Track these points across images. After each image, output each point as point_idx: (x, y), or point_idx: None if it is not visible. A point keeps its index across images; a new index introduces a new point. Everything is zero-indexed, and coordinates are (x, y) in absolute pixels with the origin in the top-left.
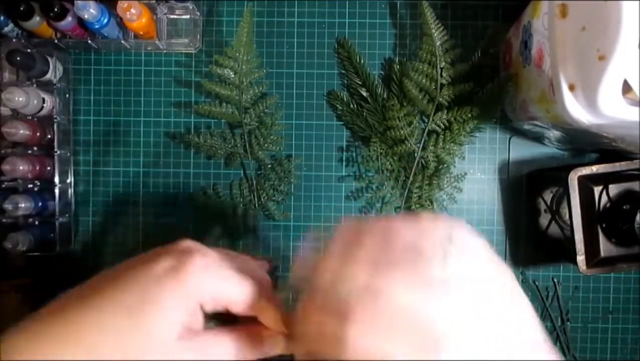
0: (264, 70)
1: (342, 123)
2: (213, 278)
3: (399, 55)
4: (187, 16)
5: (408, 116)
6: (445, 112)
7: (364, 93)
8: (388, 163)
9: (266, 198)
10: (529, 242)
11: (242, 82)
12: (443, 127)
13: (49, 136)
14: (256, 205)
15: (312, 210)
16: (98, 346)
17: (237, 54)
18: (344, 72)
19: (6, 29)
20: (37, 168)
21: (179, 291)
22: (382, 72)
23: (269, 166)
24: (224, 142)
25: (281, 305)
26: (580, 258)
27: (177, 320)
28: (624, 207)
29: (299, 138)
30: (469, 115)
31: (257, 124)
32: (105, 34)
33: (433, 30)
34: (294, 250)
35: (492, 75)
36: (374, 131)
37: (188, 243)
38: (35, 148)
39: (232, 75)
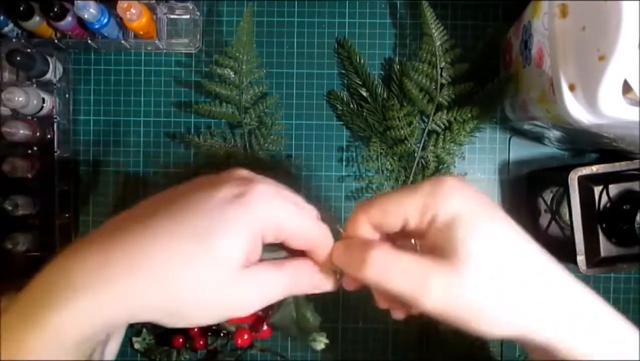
0: (264, 70)
1: (342, 123)
2: (277, 207)
3: (399, 55)
4: (187, 16)
5: (408, 116)
6: (445, 112)
7: (364, 93)
8: (388, 163)
9: None
10: None
11: (242, 82)
12: (443, 127)
13: (49, 136)
14: None
15: None
16: (168, 272)
17: (237, 54)
18: (344, 72)
19: (6, 29)
20: (37, 168)
21: (244, 218)
22: (382, 72)
23: (269, 166)
24: (224, 141)
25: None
26: (580, 258)
27: (241, 247)
28: (624, 207)
29: (299, 138)
30: (469, 115)
31: (257, 124)
32: (105, 34)
33: (433, 30)
34: None
35: (492, 75)
36: (374, 131)
37: (245, 171)
38: (35, 148)
39: (232, 75)
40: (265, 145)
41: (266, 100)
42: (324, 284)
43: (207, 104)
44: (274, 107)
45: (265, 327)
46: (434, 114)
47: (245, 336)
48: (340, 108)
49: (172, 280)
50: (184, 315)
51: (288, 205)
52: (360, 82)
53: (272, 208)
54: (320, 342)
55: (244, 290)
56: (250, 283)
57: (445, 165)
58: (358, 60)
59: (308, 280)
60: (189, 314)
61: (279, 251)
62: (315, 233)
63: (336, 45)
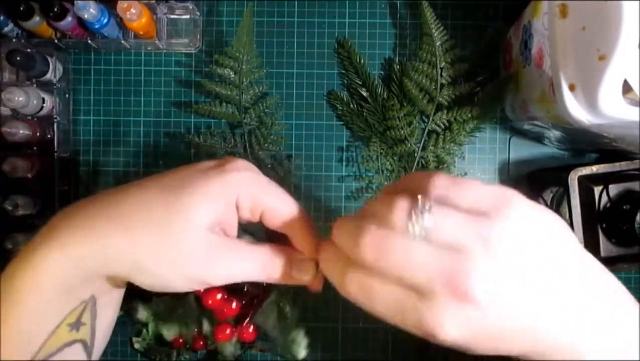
0: (264, 70)
1: (342, 123)
2: (253, 180)
3: (398, 55)
4: (187, 16)
5: (408, 116)
6: (445, 112)
7: (364, 93)
8: (388, 163)
9: None
10: None
11: (242, 82)
12: (443, 127)
13: (49, 136)
14: None
15: (313, 210)
16: (135, 223)
17: (237, 54)
18: (343, 72)
19: (6, 29)
20: (37, 168)
21: (217, 182)
22: (382, 72)
23: (269, 166)
24: (224, 141)
25: (317, 231)
26: None
27: (211, 208)
28: (624, 207)
29: (299, 138)
30: (469, 115)
31: (257, 124)
32: (105, 34)
33: (433, 30)
34: None
35: (492, 75)
36: (374, 131)
37: (242, 161)
38: (35, 148)
39: (232, 75)
40: (266, 145)
41: (266, 100)
42: (299, 276)
43: (207, 104)
44: (274, 107)
45: (250, 329)
46: (434, 114)
47: (227, 331)
48: (340, 108)
49: (138, 231)
50: (153, 271)
51: (266, 182)
52: (360, 82)
53: (248, 181)
54: (300, 346)
55: (212, 255)
56: (220, 251)
57: (445, 165)
58: (358, 60)
59: (282, 267)
60: (157, 270)
61: (263, 242)
62: (291, 214)
63: (336, 45)
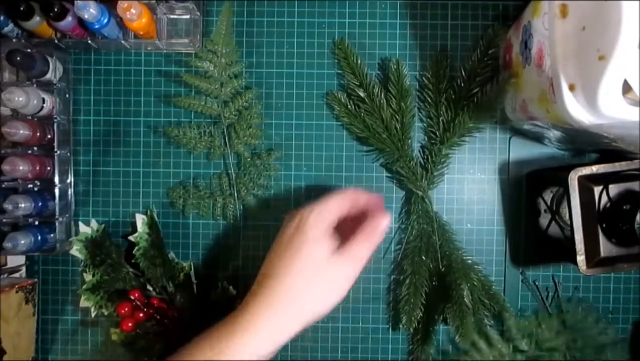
0: (243, 63)
1: (340, 123)
2: (319, 206)
3: (399, 55)
4: (187, 16)
5: (406, 116)
6: (445, 111)
7: (362, 94)
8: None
9: (246, 191)
10: (529, 242)
11: (221, 75)
12: (442, 127)
13: (49, 136)
14: (235, 199)
15: None
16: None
17: (216, 47)
18: (340, 72)
19: (6, 29)
20: (37, 168)
21: (308, 233)
22: (381, 72)
23: (249, 160)
24: (202, 135)
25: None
26: (580, 258)
27: (321, 244)
28: (624, 207)
29: (298, 138)
30: (469, 115)
31: (236, 118)
32: (105, 34)
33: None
34: None
35: (492, 75)
36: (372, 132)
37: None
38: (35, 148)
39: (212, 69)
40: (245, 138)
41: (245, 94)
42: (382, 224)
43: (187, 97)
44: (252, 101)
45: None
46: (432, 114)
47: (130, 324)
48: (338, 109)
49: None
50: (315, 309)
51: (326, 199)
52: (357, 83)
53: (316, 210)
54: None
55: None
56: (340, 264)
57: (445, 165)
58: (355, 61)
59: (373, 229)
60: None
61: None
62: (349, 195)
63: (333, 46)
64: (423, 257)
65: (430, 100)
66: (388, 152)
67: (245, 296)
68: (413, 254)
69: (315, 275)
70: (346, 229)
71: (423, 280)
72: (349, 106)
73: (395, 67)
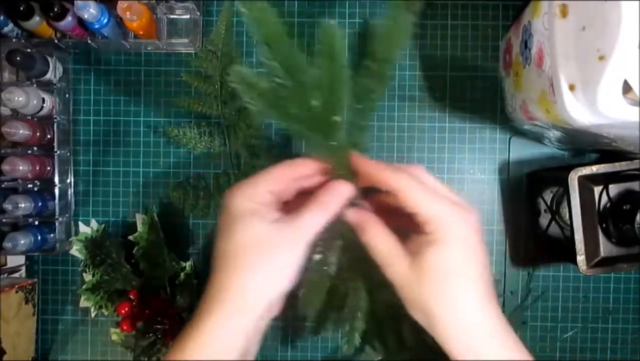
0: (243, 63)
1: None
2: (242, 184)
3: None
4: (187, 16)
5: None
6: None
7: None
8: None
9: None
10: (529, 242)
11: (222, 75)
12: None
13: (49, 136)
14: None
15: None
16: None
17: (216, 47)
18: None
19: (6, 29)
20: (37, 168)
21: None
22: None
23: (249, 160)
24: (202, 135)
25: None
26: (580, 258)
27: (251, 220)
28: (624, 207)
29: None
30: None
31: (236, 117)
32: (105, 34)
33: None
34: None
35: (492, 75)
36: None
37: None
38: (35, 148)
39: (212, 69)
40: (245, 138)
41: None
42: (343, 191)
43: (187, 97)
44: None
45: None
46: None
47: (130, 324)
48: None
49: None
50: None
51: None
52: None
53: (241, 191)
54: None
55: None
56: (284, 231)
57: None
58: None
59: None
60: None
61: None
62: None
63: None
64: None
65: None
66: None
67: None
68: None
69: (255, 254)
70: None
71: None
72: None
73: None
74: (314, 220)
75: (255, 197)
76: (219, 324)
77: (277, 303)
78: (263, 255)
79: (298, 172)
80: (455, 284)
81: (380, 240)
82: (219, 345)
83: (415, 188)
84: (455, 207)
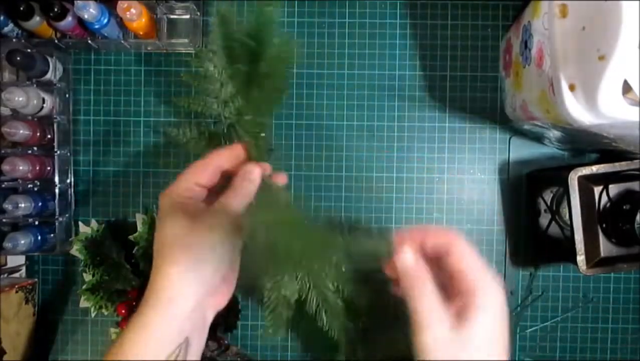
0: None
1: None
2: (176, 183)
3: (399, 55)
4: (187, 16)
5: None
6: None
7: None
8: None
9: None
10: (529, 242)
11: (222, 75)
12: None
13: (49, 136)
14: None
15: (312, 212)
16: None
17: (215, 47)
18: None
19: (6, 29)
20: (37, 168)
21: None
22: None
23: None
24: (202, 135)
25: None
26: (580, 258)
27: (174, 214)
28: (624, 207)
29: (299, 138)
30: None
31: (236, 117)
32: (105, 34)
33: None
34: None
35: (492, 75)
36: None
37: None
38: (35, 148)
39: (212, 68)
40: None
41: None
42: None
43: (187, 97)
44: None
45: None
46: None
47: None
48: None
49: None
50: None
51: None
52: None
53: (167, 192)
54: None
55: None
56: (205, 221)
57: None
58: None
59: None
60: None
61: None
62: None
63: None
64: None
65: None
66: None
67: None
68: None
69: (176, 247)
70: None
71: None
72: None
73: None
74: (228, 205)
75: (179, 193)
76: (149, 318)
77: (218, 294)
78: (183, 247)
79: (219, 161)
80: (496, 352)
81: (426, 299)
82: (151, 341)
83: (468, 249)
84: (494, 276)
